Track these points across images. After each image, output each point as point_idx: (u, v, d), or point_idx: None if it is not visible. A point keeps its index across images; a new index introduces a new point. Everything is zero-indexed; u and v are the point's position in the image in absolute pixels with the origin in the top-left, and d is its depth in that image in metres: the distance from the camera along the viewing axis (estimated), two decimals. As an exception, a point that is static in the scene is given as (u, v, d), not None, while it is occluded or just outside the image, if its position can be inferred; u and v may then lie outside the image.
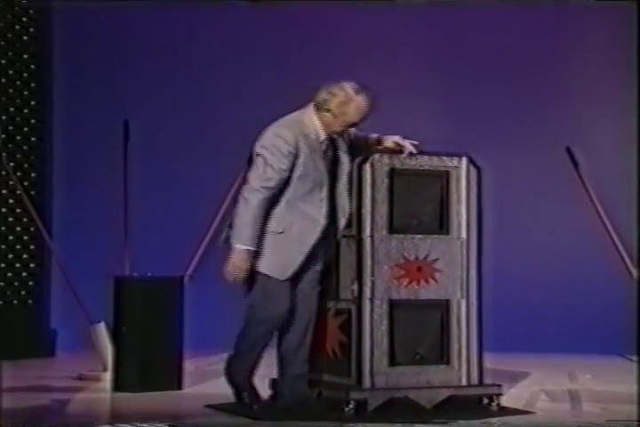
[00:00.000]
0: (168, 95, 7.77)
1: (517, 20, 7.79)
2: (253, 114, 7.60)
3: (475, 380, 4.92)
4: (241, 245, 4.60)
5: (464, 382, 4.91)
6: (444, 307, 4.90)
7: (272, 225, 4.63)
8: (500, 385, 4.98)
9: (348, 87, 4.69)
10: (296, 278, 4.70)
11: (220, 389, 5.44)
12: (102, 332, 6.11)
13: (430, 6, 7.64)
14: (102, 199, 7.31)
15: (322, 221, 4.66)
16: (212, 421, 4.68)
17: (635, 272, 5.99)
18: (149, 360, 5.54)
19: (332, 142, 4.75)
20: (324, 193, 4.67)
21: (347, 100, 4.65)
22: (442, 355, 4.89)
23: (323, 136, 4.70)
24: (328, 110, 4.65)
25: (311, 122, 4.69)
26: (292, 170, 4.61)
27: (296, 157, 4.61)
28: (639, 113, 7.33)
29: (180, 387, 5.56)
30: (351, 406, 4.64)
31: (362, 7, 7.66)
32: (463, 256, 4.92)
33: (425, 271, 4.85)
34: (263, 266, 4.65)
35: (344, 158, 4.77)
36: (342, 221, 4.74)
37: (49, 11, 7.57)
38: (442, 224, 4.91)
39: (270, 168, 4.59)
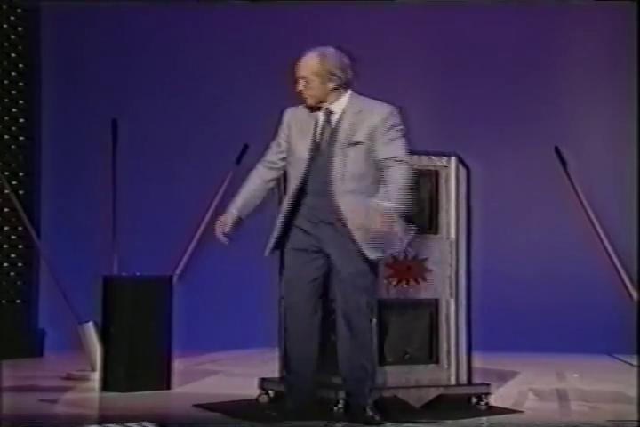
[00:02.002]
0: (158, 95, 7.76)
1: (516, 20, 7.81)
2: (249, 114, 7.65)
3: (463, 379, 4.94)
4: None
5: (453, 381, 4.92)
6: (433, 306, 4.91)
7: None
8: (488, 384, 5.00)
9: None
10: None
11: (209, 388, 5.45)
12: (91, 331, 6.10)
13: (428, 6, 7.65)
14: (90, 199, 7.29)
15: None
16: (200, 420, 4.68)
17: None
18: (138, 360, 5.52)
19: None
20: None
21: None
22: (431, 354, 4.90)
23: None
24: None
25: None
26: None
27: None
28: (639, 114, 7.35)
29: (168, 387, 5.55)
30: (340, 405, 4.64)
31: (362, 7, 7.66)
32: (452, 256, 4.93)
33: (414, 271, 4.86)
34: None
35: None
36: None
37: (37, 10, 7.55)
38: (431, 224, 4.92)
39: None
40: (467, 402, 4.91)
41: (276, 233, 4.46)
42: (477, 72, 7.88)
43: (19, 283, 7.40)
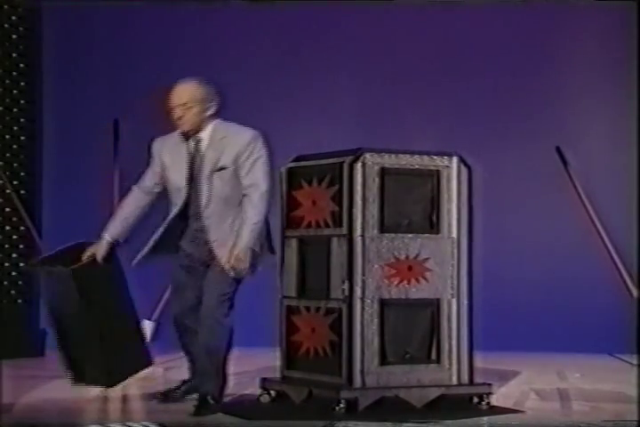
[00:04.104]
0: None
1: (516, 19, 7.80)
2: (250, 114, 7.62)
3: (465, 379, 4.93)
4: None
5: (454, 381, 4.92)
6: (434, 306, 4.91)
7: None
8: (490, 384, 5.00)
9: None
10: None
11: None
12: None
13: (428, 6, 7.64)
14: (92, 198, 7.29)
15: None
16: (202, 420, 4.68)
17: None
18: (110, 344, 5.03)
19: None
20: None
21: None
22: (432, 354, 4.90)
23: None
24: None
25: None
26: None
27: None
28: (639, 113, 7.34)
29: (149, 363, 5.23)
30: (342, 405, 4.64)
31: (361, 7, 7.65)
32: (454, 255, 4.93)
33: (415, 270, 4.86)
34: None
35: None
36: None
37: (38, 9, 7.55)
38: (432, 223, 4.92)
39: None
40: (468, 402, 4.92)
41: (146, 249, 4.87)
42: (478, 71, 7.87)
43: (20, 283, 7.40)
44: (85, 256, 4.93)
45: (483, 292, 5.10)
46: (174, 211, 4.85)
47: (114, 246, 4.96)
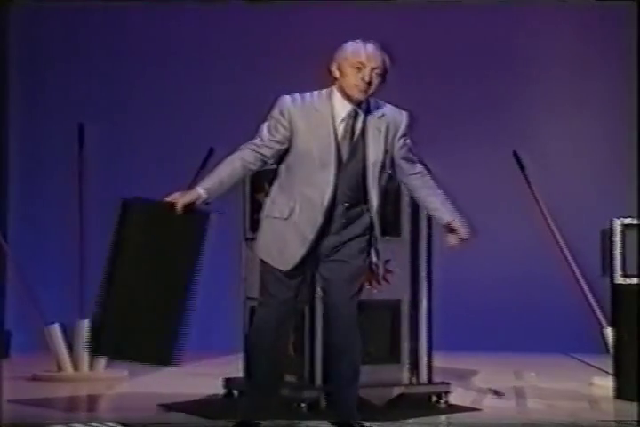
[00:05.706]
0: (126, 98, 7.77)
1: (515, 20, 7.86)
2: (248, 114, 7.63)
3: (424, 378, 5.03)
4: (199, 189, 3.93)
5: (414, 380, 5.02)
6: (395, 307, 5.00)
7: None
8: (448, 383, 5.09)
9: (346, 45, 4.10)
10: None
11: (174, 388, 5.49)
12: (57, 333, 6.15)
13: (426, 6, 7.65)
14: (57, 201, 7.29)
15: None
16: (164, 419, 4.73)
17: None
18: None
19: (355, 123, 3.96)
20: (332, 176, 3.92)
21: (344, 56, 4.07)
22: (392, 354, 4.99)
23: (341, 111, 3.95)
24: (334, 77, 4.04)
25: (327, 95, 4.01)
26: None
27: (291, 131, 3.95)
28: (639, 114, 7.41)
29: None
30: (304, 404, 4.72)
31: (361, 7, 7.66)
32: (413, 257, 5.03)
33: (377, 272, 4.94)
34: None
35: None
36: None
37: (5, 13, 7.54)
38: (393, 226, 5.01)
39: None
40: (427, 401, 5.00)
41: (304, 249, 4.00)
42: (472, 71, 7.91)
43: (-16, 284, 7.39)
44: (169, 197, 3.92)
45: (441, 293, 5.20)
46: (327, 197, 3.90)
47: (202, 201, 3.91)
